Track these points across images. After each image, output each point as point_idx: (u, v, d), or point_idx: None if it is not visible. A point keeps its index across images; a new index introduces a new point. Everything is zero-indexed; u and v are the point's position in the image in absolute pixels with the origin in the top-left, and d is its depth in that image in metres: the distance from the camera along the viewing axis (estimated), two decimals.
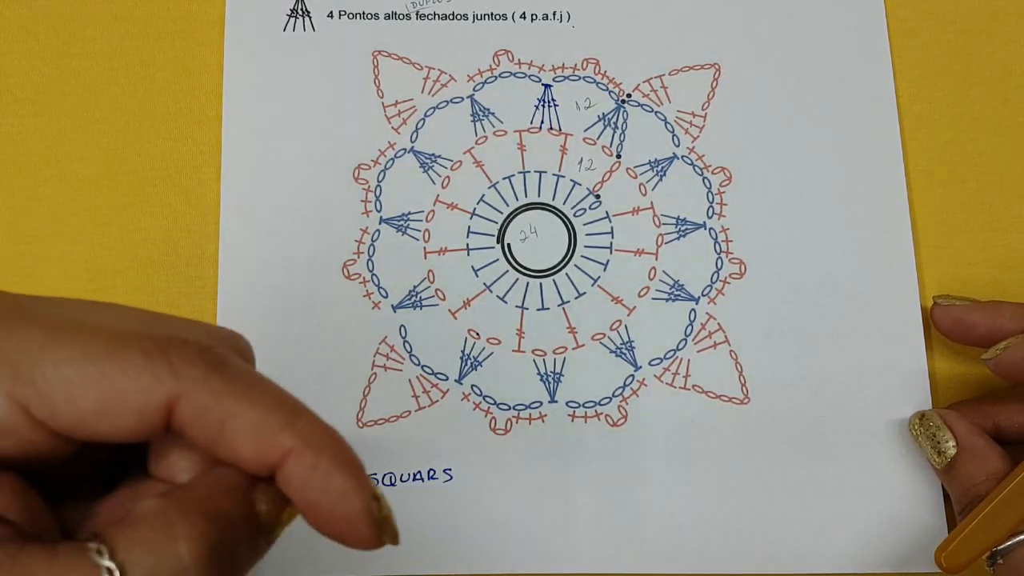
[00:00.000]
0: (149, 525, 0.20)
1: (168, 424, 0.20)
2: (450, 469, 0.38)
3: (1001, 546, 0.33)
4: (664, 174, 0.42)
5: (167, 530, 0.20)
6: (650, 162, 0.42)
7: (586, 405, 0.39)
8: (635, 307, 0.40)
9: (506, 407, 0.39)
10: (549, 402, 0.39)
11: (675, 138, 0.42)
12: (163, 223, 0.41)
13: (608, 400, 0.39)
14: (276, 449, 0.21)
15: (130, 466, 0.23)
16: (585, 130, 0.42)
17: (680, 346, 0.40)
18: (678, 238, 0.41)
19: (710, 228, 0.41)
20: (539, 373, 0.40)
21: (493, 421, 0.39)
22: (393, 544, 0.22)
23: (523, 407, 0.39)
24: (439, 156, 0.41)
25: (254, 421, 0.20)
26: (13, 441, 0.20)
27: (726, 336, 0.40)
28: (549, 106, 0.42)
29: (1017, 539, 0.33)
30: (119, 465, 0.23)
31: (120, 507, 0.22)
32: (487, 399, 0.39)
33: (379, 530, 0.22)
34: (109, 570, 0.19)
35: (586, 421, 0.39)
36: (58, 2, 0.42)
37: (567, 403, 0.39)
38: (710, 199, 0.41)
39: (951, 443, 0.36)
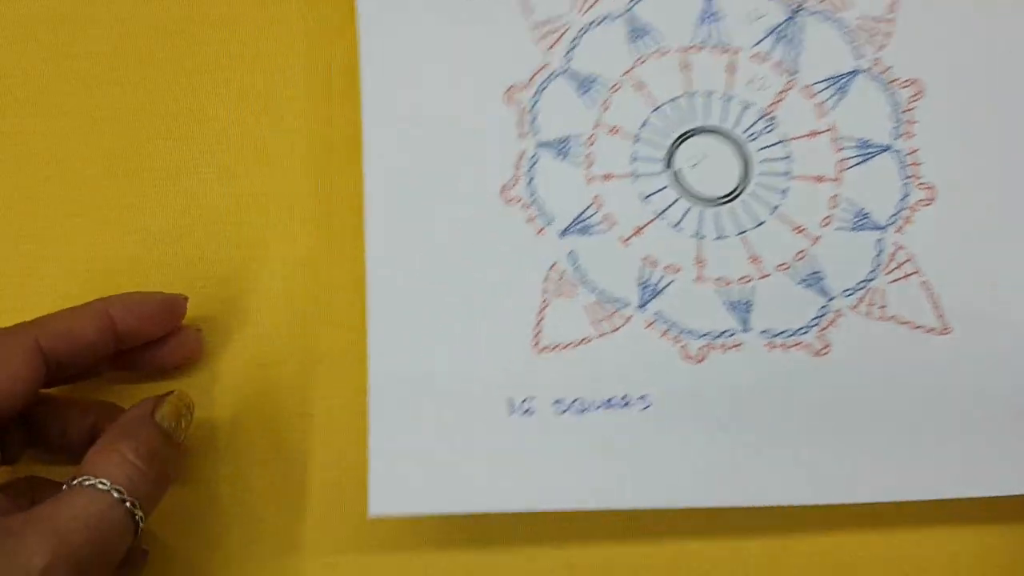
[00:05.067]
0: (98, 458, 0.30)
1: None
2: (646, 396, 0.35)
3: None
4: (845, 91, 0.40)
5: (112, 449, 0.30)
6: (828, 79, 0.40)
7: (783, 334, 0.37)
8: (819, 237, 0.38)
9: (696, 335, 0.36)
10: (742, 331, 0.36)
11: (857, 49, 0.40)
12: (163, 223, 0.41)
13: (806, 330, 0.37)
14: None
15: None
16: (754, 46, 0.40)
17: (871, 277, 0.38)
18: (861, 162, 0.39)
19: (896, 150, 0.39)
20: (726, 302, 0.37)
21: (685, 349, 0.36)
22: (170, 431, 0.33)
23: (715, 335, 0.36)
24: (596, 78, 0.40)
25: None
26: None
27: (917, 267, 0.38)
28: (713, 20, 0.40)
29: None
30: None
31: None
32: (674, 327, 0.36)
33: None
34: (101, 485, 0.29)
35: (785, 351, 0.36)
36: (58, 2, 0.42)
37: (762, 332, 0.36)
38: (896, 118, 0.40)
39: None
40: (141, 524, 0.30)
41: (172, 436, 0.33)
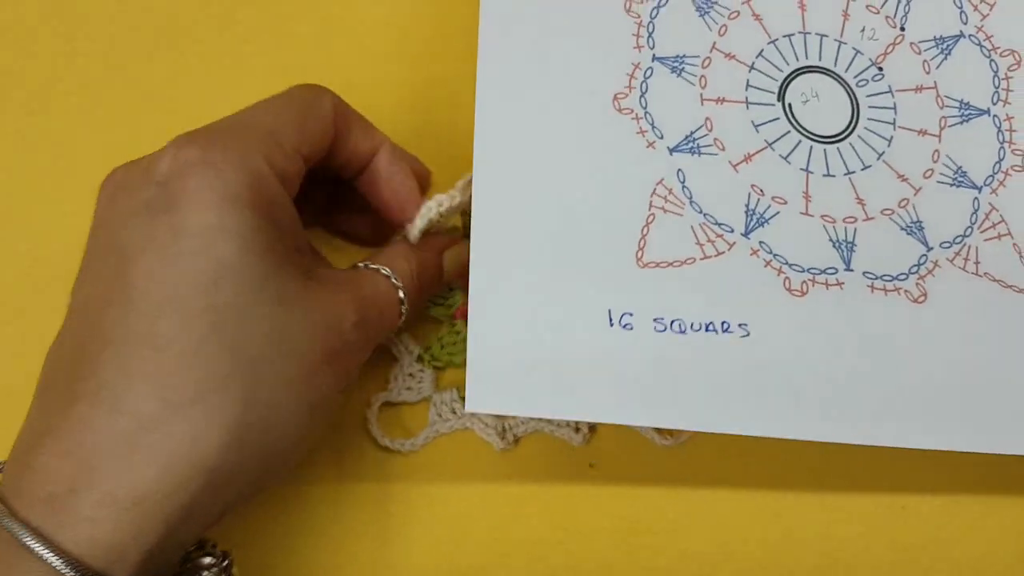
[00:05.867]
0: (395, 257, 0.34)
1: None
2: (746, 324, 0.34)
3: None
4: (949, 53, 0.40)
5: (405, 258, 0.34)
6: (935, 38, 0.40)
7: (884, 278, 0.36)
8: (920, 188, 0.38)
9: (800, 269, 0.36)
10: (845, 270, 0.36)
11: (963, 14, 0.40)
12: None
13: (905, 276, 0.37)
14: (375, 142, 0.35)
15: None
16: None
17: (967, 233, 0.38)
18: (961, 123, 0.39)
19: (994, 115, 0.40)
20: (830, 239, 0.37)
21: (787, 281, 0.36)
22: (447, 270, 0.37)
23: (818, 271, 0.36)
24: (716, 2, 0.39)
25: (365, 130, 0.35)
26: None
27: (1009, 229, 0.38)
28: None
29: None
30: None
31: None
32: (778, 258, 0.36)
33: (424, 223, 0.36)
34: (395, 280, 0.33)
35: (886, 294, 0.36)
36: (58, 2, 0.42)
37: (864, 273, 0.36)
38: (996, 84, 0.40)
39: None
40: (398, 326, 0.34)
41: (443, 274, 0.36)
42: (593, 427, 0.38)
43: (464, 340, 0.37)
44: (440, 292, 0.39)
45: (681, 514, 0.37)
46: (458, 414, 0.38)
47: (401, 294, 0.33)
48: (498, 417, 0.38)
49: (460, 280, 0.38)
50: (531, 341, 0.33)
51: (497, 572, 0.36)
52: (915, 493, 0.38)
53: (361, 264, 0.34)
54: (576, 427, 0.38)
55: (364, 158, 0.35)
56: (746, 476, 0.38)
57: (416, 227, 0.36)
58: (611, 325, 0.34)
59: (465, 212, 0.38)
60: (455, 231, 0.39)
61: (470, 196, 0.36)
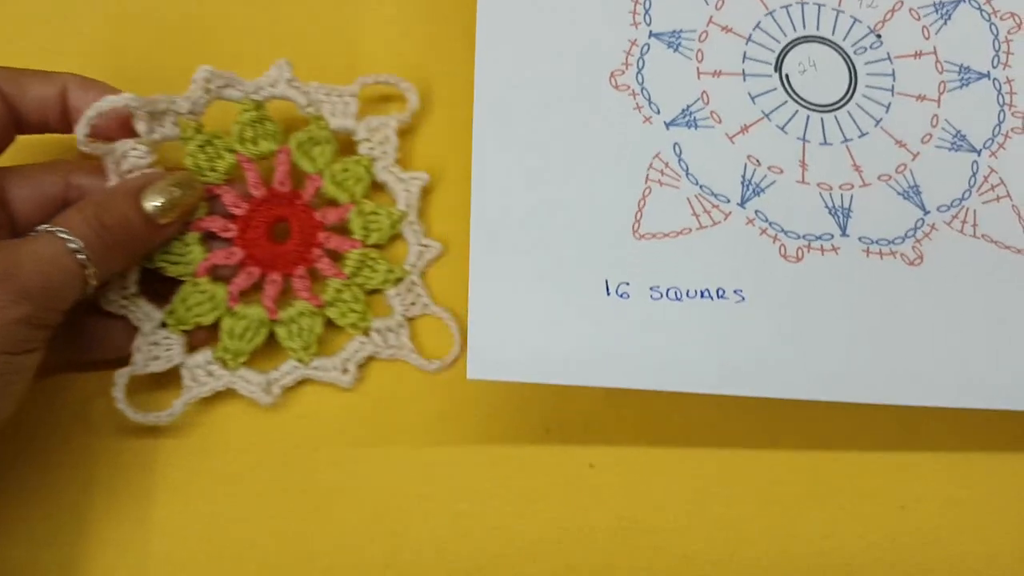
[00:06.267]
0: (69, 214, 0.33)
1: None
2: (741, 290, 0.35)
3: None
4: (949, 17, 0.40)
5: (79, 211, 0.33)
6: (934, 3, 0.40)
7: (880, 242, 0.37)
8: (919, 152, 0.39)
9: (795, 236, 0.37)
10: (841, 236, 0.37)
11: None
12: None
13: (901, 240, 0.37)
14: (58, 83, 0.35)
15: None
16: None
17: (965, 196, 0.38)
18: (960, 87, 0.40)
19: (994, 78, 0.40)
20: (827, 206, 0.37)
21: (783, 248, 0.36)
22: (153, 213, 0.34)
23: (813, 237, 0.37)
24: None
25: (41, 78, 0.35)
26: None
27: (1008, 191, 0.39)
28: None
29: None
30: None
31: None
32: (774, 226, 0.37)
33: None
34: (61, 234, 0.32)
35: (881, 258, 0.37)
36: (55, 1, 0.42)
37: (860, 238, 0.37)
38: (996, 47, 0.40)
39: None
40: (91, 283, 0.32)
41: (152, 217, 0.34)
42: (361, 365, 0.38)
43: (211, 299, 0.36)
44: (172, 248, 0.36)
45: (681, 514, 0.38)
46: (215, 376, 0.36)
47: (71, 245, 0.32)
48: (262, 372, 0.37)
49: (191, 228, 0.36)
50: (530, 310, 0.35)
51: (496, 572, 0.37)
52: (915, 493, 0.38)
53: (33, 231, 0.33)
54: (344, 369, 0.37)
55: (54, 102, 0.35)
56: (746, 476, 0.38)
57: (79, 132, 0.34)
58: (608, 294, 0.35)
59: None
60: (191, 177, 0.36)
61: (163, 111, 0.36)
